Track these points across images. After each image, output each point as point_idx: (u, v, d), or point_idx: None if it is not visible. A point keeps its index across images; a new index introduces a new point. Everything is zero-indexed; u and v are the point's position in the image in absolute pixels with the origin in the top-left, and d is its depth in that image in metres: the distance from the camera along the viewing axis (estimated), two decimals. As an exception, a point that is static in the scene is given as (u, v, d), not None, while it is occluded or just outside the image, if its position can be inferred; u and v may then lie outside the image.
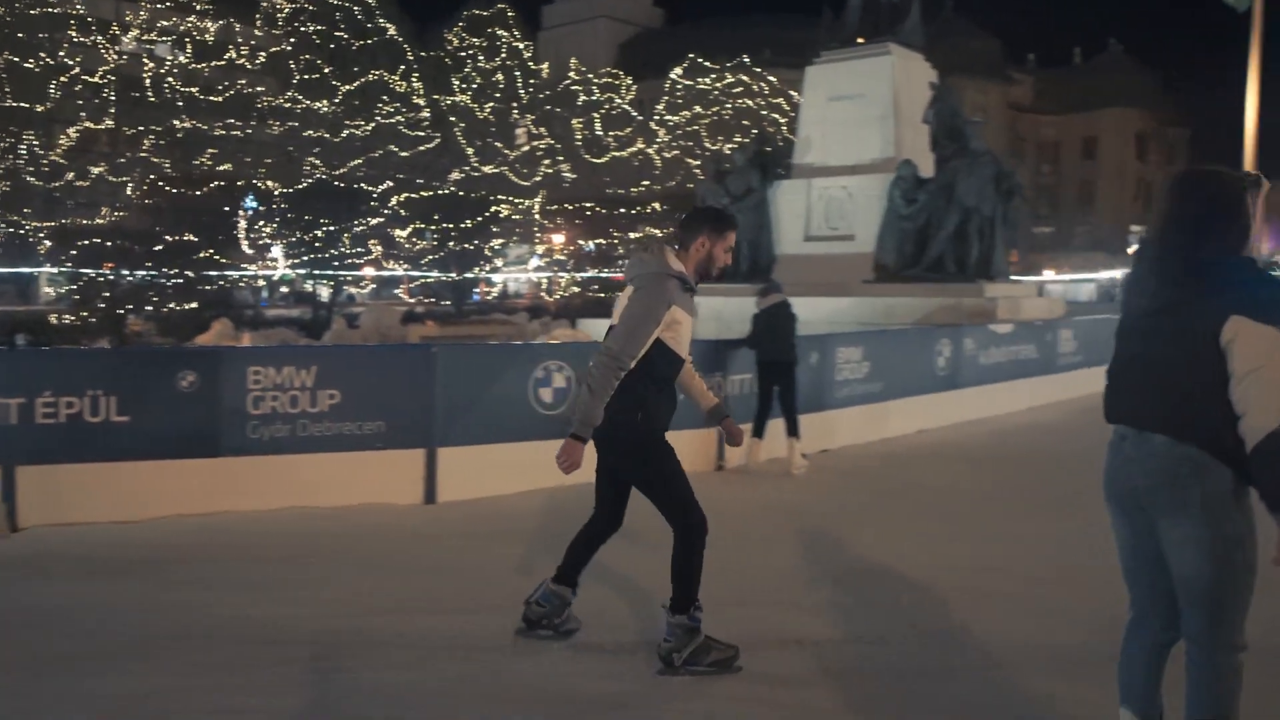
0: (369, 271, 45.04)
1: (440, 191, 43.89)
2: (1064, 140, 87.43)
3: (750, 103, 57.05)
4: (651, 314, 4.54)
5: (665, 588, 4.69)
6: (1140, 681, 3.50)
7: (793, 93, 45.21)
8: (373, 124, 44.10)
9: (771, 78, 57.90)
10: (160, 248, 34.29)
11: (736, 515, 7.57)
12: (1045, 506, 8.47)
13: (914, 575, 6.36)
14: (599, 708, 4.34)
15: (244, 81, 42.36)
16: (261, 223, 39.33)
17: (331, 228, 39.08)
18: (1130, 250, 67.29)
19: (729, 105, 56.98)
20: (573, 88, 54.84)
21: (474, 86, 49.32)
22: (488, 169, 48.11)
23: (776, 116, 55.07)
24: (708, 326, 18.24)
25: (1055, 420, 13.78)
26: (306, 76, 43.76)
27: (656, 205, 48.74)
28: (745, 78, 57.64)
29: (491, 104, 49.76)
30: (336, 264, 40.49)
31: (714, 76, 57.32)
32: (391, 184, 42.35)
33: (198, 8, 42.26)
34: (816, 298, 16.64)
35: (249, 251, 39.76)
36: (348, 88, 43.82)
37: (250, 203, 38.74)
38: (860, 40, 21.95)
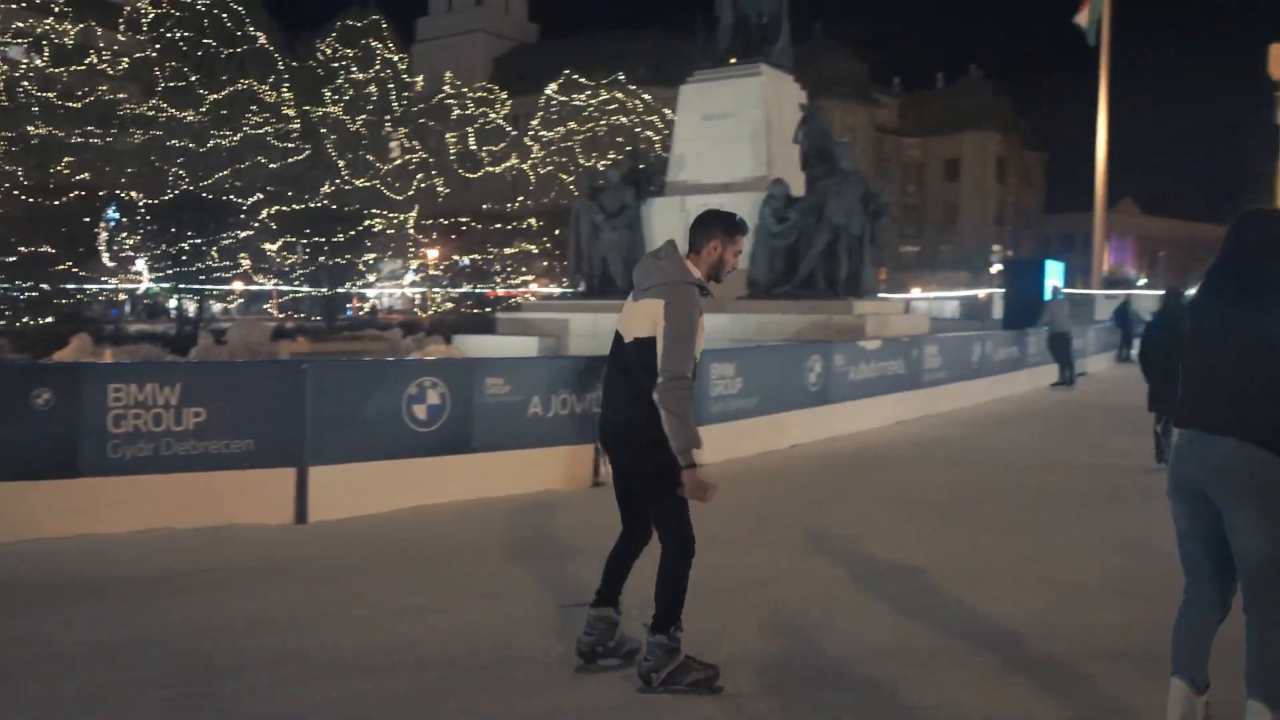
0: (238, 286, 43.94)
1: (311, 204, 43.04)
2: (928, 161, 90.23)
3: (624, 119, 57.27)
4: (693, 324, 4.58)
5: (648, 604, 4.70)
6: (1191, 654, 3.97)
7: (666, 110, 45.62)
8: (241, 134, 42.93)
9: (646, 95, 58.30)
10: (14, 259, 32.86)
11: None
12: (934, 513, 8.78)
13: (808, 587, 6.48)
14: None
15: (105, 87, 40.69)
16: (124, 234, 38.02)
17: (198, 240, 37.97)
18: (992, 269, 69.70)
19: (603, 122, 57.14)
20: (447, 101, 54.38)
21: (346, 98, 48.48)
22: (360, 182, 47.28)
23: (650, 134, 55.42)
24: (582, 343, 18.23)
25: (924, 433, 14.17)
26: (172, 84, 42.35)
27: (532, 221, 48.66)
28: (620, 94, 57.89)
29: (364, 116, 49.02)
30: (203, 278, 39.39)
31: (588, 93, 57.46)
32: (261, 196, 41.27)
33: (56, 10, 40.56)
34: (691, 314, 16.73)
35: (111, 264, 38.40)
36: (215, 96, 42.56)
37: (112, 214, 37.39)
38: (733, 60, 22.26)
